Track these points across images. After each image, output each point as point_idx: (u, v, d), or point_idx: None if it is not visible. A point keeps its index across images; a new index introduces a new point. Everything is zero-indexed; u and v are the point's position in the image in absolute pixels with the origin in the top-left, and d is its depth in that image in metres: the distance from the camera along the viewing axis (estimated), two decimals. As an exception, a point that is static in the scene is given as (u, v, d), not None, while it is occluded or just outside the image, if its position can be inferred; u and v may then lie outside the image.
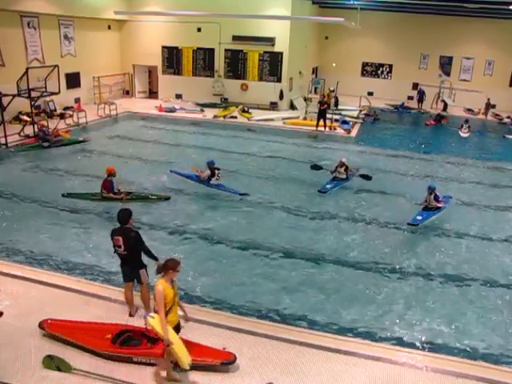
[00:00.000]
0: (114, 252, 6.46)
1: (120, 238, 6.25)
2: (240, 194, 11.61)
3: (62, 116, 19.61)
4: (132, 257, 6.35)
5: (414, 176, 14.58)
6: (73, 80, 21.62)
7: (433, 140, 20.58)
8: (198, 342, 5.91)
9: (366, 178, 13.11)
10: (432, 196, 10.75)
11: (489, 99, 25.89)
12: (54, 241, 9.01)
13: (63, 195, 11.01)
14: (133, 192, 11.18)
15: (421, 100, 27.52)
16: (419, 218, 10.42)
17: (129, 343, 5.86)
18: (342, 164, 12.95)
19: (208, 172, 11.82)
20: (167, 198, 11.21)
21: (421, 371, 5.82)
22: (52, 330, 6.06)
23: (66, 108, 20.65)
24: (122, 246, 6.27)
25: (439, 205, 10.78)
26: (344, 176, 12.94)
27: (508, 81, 28.68)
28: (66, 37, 21.20)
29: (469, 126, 21.60)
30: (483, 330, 6.86)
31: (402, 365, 5.91)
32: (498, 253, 9.43)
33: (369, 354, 6.03)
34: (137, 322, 6.33)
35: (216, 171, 11.85)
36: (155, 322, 5.03)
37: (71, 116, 19.30)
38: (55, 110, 19.98)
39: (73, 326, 6.13)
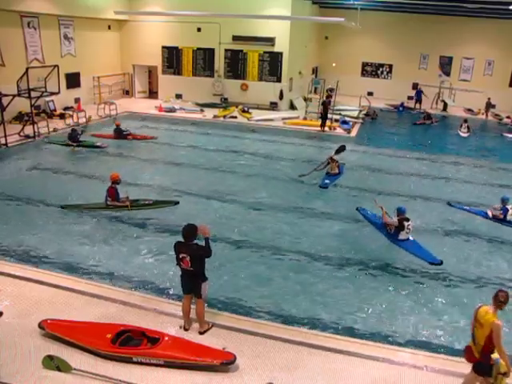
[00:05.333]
0: (177, 265, 6.18)
1: (188, 258, 5.99)
2: (434, 263, 8.76)
3: (61, 116, 19.65)
4: (197, 271, 6.13)
5: (416, 176, 14.56)
6: (73, 80, 21.65)
7: (432, 140, 20.57)
8: (198, 342, 5.93)
9: (340, 149, 14.07)
10: (501, 206, 10.60)
11: (489, 99, 25.90)
12: (56, 241, 8.99)
13: (62, 207, 10.42)
14: (139, 199, 10.66)
15: (419, 100, 27.53)
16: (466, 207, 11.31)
17: (129, 343, 5.86)
18: (332, 159, 13.51)
19: (395, 220, 9.31)
20: (176, 203, 10.78)
21: (421, 371, 5.82)
22: (52, 329, 6.05)
23: (66, 108, 20.68)
24: (189, 264, 6.03)
25: (500, 217, 10.62)
26: (336, 171, 13.48)
27: (508, 81, 28.68)
28: (65, 37, 21.23)
29: (468, 126, 21.60)
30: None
31: (402, 365, 5.91)
32: None
33: (369, 354, 6.03)
34: (136, 322, 6.34)
35: (405, 223, 9.19)
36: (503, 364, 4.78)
37: (71, 116, 19.35)
38: (55, 110, 20.01)
39: (73, 325, 6.13)
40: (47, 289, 7.22)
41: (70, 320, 6.25)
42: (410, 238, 9.33)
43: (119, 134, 16.81)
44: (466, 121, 21.99)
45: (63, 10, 20.14)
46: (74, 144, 15.26)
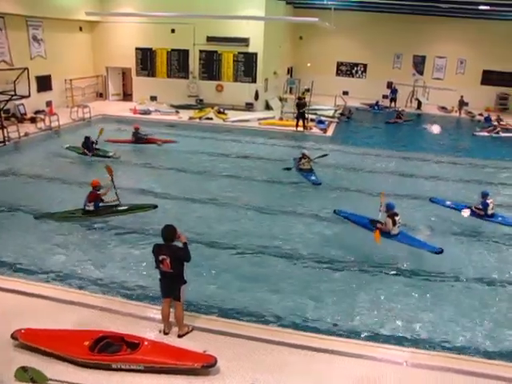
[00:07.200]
0: (156, 267, 6.07)
1: (168, 259, 5.89)
2: (436, 253, 8.78)
3: (33, 120, 19.18)
4: (177, 274, 6.03)
5: (391, 174, 14.69)
6: (44, 83, 21.12)
7: (406, 138, 20.88)
8: (178, 346, 5.82)
9: (323, 156, 14.31)
10: (482, 201, 10.60)
11: (462, 97, 26.42)
12: (28, 249, 8.73)
13: (36, 217, 9.99)
14: (117, 205, 10.30)
15: (394, 99, 27.88)
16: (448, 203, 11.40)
17: (108, 349, 5.69)
18: (304, 156, 14.06)
19: (388, 222, 9.19)
20: (155, 207, 10.48)
21: (403, 367, 5.82)
22: (26, 339, 5.83)
23: (38, 112, 20.18)
24: (170, 265, 5.92)
25: (480, 213, 10.55)
26: (309, 167, 13.83)
27: (479, 79, 29.28)
28: (35, 38, 20.66)
29: (435, 122, 22.14)
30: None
31: (386, 362, 5.90)
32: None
33: (352, 352, 6.01)
34: (115, 328, 6.16)
35: (396, 218, 9.18)
36: None
37: (43, 120, 18.89)
38: (25, 114, 19.52)
39: (48, 334, 5.92)
40: (20, 298, 6.95)
41: (46, 328, 6.03)
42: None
43: (138, 137, 16.30)
44: (433, 123, 22.54)
45: (30, 11, 19.52)
46: (90, 153, 14.68)
